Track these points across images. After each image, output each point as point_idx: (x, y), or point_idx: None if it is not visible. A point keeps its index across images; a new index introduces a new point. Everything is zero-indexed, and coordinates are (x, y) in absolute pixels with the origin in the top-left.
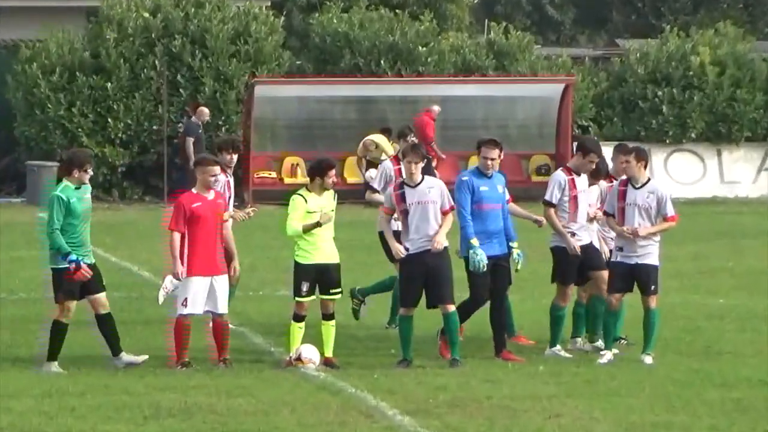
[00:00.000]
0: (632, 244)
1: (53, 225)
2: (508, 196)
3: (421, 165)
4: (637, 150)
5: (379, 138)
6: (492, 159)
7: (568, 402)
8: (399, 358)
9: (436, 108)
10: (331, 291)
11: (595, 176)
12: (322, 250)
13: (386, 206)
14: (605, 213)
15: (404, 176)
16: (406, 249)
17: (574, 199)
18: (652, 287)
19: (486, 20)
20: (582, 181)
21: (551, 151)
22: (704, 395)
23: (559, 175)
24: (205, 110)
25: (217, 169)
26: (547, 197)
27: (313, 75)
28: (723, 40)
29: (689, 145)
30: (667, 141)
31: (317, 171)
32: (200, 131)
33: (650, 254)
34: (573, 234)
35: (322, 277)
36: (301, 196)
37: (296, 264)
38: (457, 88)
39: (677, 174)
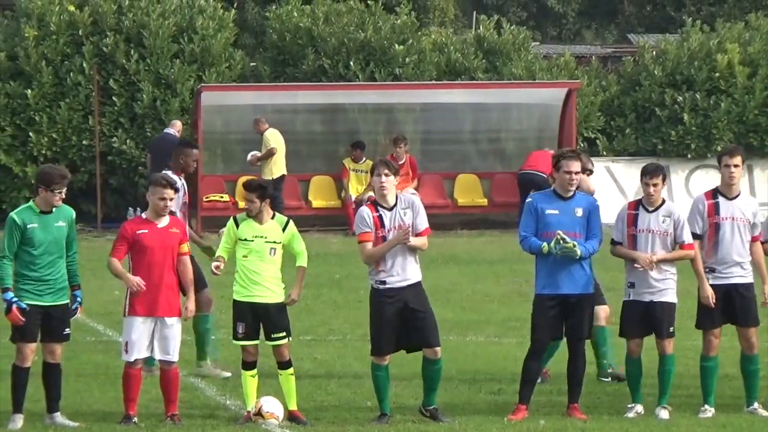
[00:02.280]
0: (646, 278)
1: (2, 251)
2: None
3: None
4: (660, 168)
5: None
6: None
7: None
8: (378, 412)
9: None
10: (273, 335)
11: None
12: (260, 286)
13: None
14: (612, 242)
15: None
16: (383, 282)
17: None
18: (670, 329)
19: (474, 13)
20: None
21: None
22: None
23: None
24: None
25: (168, 192)
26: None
27: (271, 79)
28: (754, 35)
29: (715, 160)
30: (689, 155)
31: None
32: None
33: (668, 290)
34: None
35: (262, 319)
36: (234, 220)
37: (233, 301)
38: (440, 94)
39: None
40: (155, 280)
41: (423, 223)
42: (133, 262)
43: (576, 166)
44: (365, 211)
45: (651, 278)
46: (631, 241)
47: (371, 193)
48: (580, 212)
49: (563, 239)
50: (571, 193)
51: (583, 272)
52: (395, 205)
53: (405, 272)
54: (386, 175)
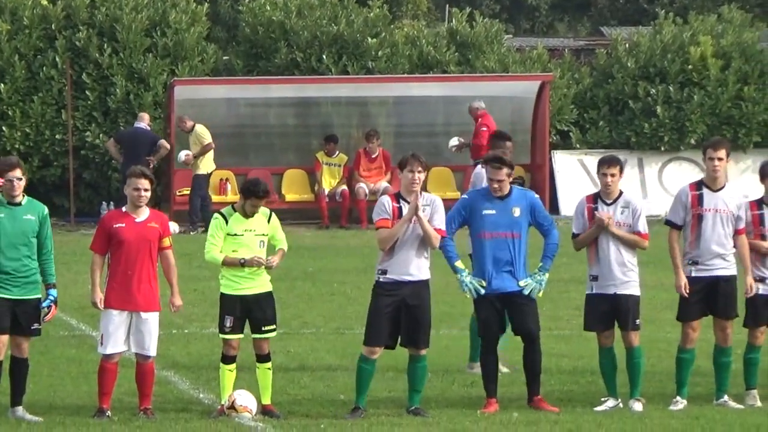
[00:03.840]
0: (609, 271)
1: None
2: None
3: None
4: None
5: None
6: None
7: None
8: (352, 405)
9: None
10: (263, 328)
11: None
12: (249, 278)
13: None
14: (573, 235)
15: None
16: (384, 272)
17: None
18: (636, 321)
19: (447, 5)
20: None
21: (526, 162)
22: None
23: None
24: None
25: (143, 182)
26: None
27: (244, 73)
28: (727, 28)
29: (688, 152)
30: (663, 148)
31: (247, 193)
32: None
33: (631, 282)
34: None
35: (251, 312)
36: (221, 215)
37: (221, 295)
38: (413, 88)
39: (674, 186)
40: (132, 274)
41: (440, 222)
42: (110, 255)
43: (501, 174)
44: (386, 199)
45: (614, 271)
46: None
47: (386, 184)
48: (517, 212)
49: (477, 290)
50: (505, 193)
51: (521, 271)
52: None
53: (409, 267)
54: (419, 171)
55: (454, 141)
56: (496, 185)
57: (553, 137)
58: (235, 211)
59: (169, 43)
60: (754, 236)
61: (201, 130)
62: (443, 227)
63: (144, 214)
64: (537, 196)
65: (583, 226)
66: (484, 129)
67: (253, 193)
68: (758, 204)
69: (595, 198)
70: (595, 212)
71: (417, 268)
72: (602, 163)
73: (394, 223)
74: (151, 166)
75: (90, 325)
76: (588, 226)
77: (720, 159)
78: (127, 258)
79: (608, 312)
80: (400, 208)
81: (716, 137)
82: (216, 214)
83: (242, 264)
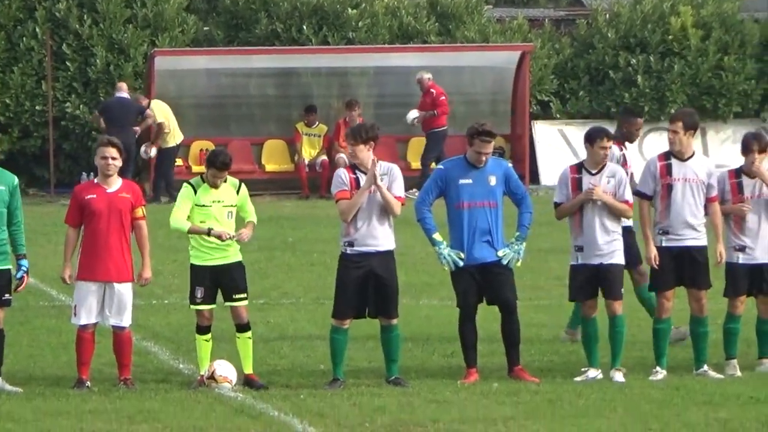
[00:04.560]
0: (594, 241)
1: None
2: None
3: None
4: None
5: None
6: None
7: (527, 425)
8: (331, 376)
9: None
10: (234, 296)
11: None
12: (218, 248)
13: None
14: (555, 204)
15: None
16: (350, 244)
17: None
18: (620, 290)
19: None
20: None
21: (506, 132)
22: (686, 416)
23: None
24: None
25: (111, 151)
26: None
27: (224, 44)
28: None
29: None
30: (643, 118)
31: (208, 163)
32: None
33: (616, 252)
34: None
35: (222, 281)
36: (190, 185)
37: (191, 266)
38: (393, 58)
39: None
40: (104, 245)
41: (399, 190)
42: (84, 227)
43: (490, 148)
44: (342, 171)
45: (599, 240)
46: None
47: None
48: (493, 180)
49: (455, 262)
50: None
51: (499, 241)
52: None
53: (374, 238)
54: (352, 144)
55: (413, 113)
56: (483, 158)
57: (534, 107)
58: (204, 181)
59: (149, 13)
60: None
61: (155, 105)
62: (402, 194)
63: (116, 184)
64: (510, 164)
65: (566, 196)
66: (443, 98)
67: (212, 164)
68: (736, 173)
69: (579, 168)
70: (585, 182)
71: (382, 238)
72: (598, 137)
73: (353, 193)
74: (137, 135)
75: (69, 295)
76: (571, 196)
77: (675, 132)
78: (99, 229)
79: (593, 282)
80: (357, 179)
81: (679, 110)
82: (185, 184)
83: (209, 233)
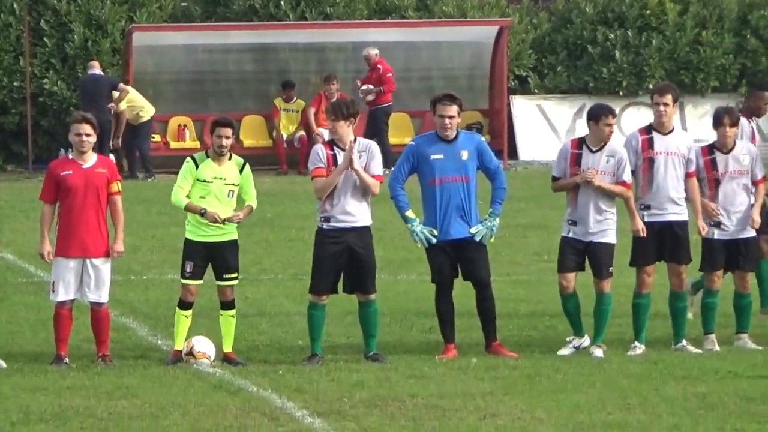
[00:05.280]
0: (587, 218)
1: None
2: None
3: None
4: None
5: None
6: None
7: (505, 400)
8: (309, 352)
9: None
10: (225, 276)
11: None
12: (215, 225)
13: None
14: (553, 178)
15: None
16: (326, 220)
17: None
18: (609, 269)
19: None
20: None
21: (484, 107)
22: (664, 390)
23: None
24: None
25: (85, 127)
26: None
27: (202, 19)
28: None
29: (646, 97)
30: (621, 93)
31: (210, 129)
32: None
33: (608, 231)
34: None
35: (214, 259)
36: (193, 160)
37: (185, 240)
38: (371, 33)
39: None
40: (81, 221)
41: (377, 168)
42: (60, 203)
43: (452, 110)
44: (319, 148)
45: (592, 218)
46: None
47: (320, 130)
48: (465, 155)
49: (428, 239)
50: (453, 135)
51: (472, 216)
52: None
53: (352, 214)
54: (333, 120)
55: (363, 88)
56: (447, 122)
57: (512, 82)
58: (208, 157)
59: None
60: (708, 181)
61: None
62: (380, 172)
63: (91, 160)
64: (483, 138)
65: (564, 171)
66: (390, 75)
67: (216, 123)
68: (709, 149)
69: (579, 144)
70: (584, 159)
71: (359, 213)
72: (602, 113)
73: (330, 170)
74: (112, 112)
75: (48, 272)
76: (569, 172)
77: (666, 104)
78: (76, 205)
79: (582, 256)
80: (334, 155)
81: (663, 83)
82: (188, 158)
83: (201, 214)
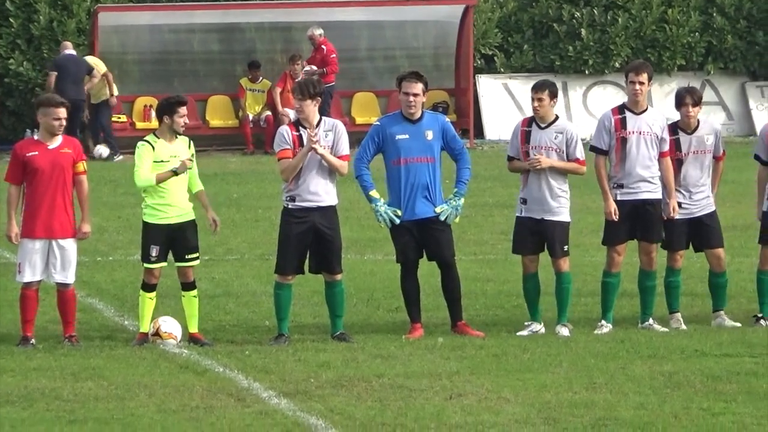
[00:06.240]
0: (538, 196)
1: None
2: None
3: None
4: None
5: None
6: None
7: (472, 380)
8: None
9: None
10: (186, 257)
11: None
12: (174, 206)
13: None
14: (508, 158)
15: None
16: (292, 199)
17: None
18: (564, 248)
19: None
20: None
21: (450, 86)
22: (631, 369)
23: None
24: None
25: (62, 111)
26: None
27: None
28: None
29: (613, 75)
30: (587, 71)
31: (164, 109)
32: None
33: (560, 209)
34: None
35: (175, 240)
36: (148, 142)
37: (144, 224)
38: (337, 12)
39: (599, 110)
40: (48, 202)
41: (344, 148)
42: (26, 184)
43: (416, 88)
44: (284, 129)
45: (544, 196)
46: (525, 157)
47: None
48: (430, 135)
49: (391, 219)
50: (418, 115)
51: (437, 197)
52: (318, 126)
53: (317, 194)
54: (299, 99)
55: (307, 69)
56: (411, 99)
57: (478, 61)
58: (158, 137)
59: None
60: (671, 161)
61: (93, 60)
62: (347, 152)
63: (57, 140)
64: (447, 119)
65: (517, 150)
66: (334, 56)
67: (170, 104)
68: (673, 129)
69: (529, 121)
70: (533, 135)
71: (325, 192)
72: (532, 88)
73: (296, 152)
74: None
75: (13, 253)
76: (520, 149)
77: (641, 83)
78: (42, 186)
79: (536, 236)
80: (300, 136)
81: (638, 61)
82: (141, 142)
83: (174, 172)
